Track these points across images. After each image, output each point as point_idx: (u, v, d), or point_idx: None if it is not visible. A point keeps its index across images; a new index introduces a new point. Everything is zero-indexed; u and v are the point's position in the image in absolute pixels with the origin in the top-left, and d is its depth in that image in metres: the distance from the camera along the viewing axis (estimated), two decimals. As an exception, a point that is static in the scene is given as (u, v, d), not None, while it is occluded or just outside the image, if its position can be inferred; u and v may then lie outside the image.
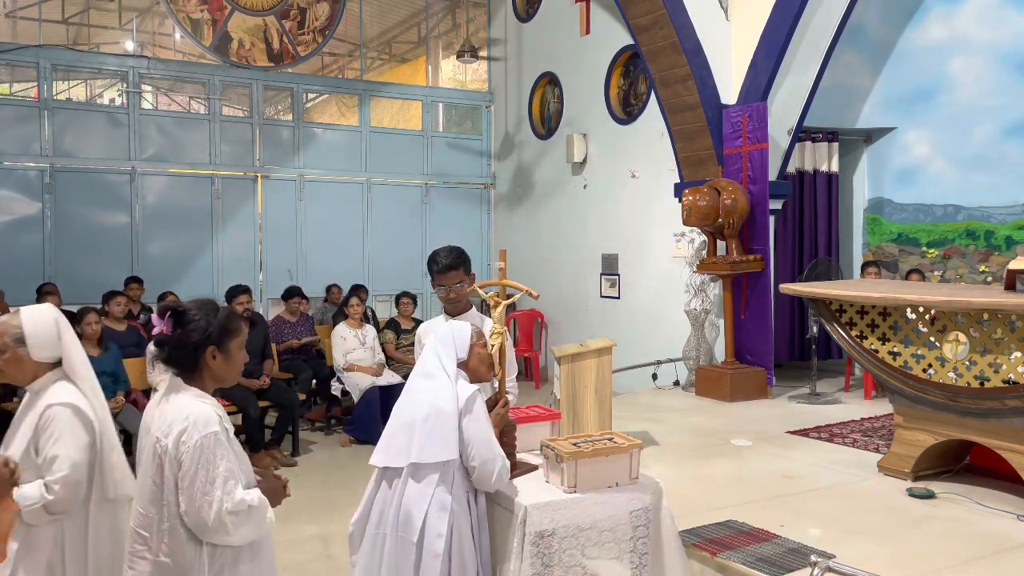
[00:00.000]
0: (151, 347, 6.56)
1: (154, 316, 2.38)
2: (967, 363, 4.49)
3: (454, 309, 3.62)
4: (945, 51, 7.93)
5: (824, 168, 8.71)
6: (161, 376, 6.35)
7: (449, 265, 3.54)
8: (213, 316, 2.35)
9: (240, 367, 2.44)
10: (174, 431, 2.23)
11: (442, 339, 2.98)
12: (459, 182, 11.51)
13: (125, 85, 9.58)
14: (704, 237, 7.72)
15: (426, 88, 11.64)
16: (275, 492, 2.42)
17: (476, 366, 2.99)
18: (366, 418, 7.23)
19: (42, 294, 7.51)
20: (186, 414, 2.25)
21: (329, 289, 9.66)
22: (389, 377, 7.53)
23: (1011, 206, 7.49)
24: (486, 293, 3.44)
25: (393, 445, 2.86)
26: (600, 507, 2.97)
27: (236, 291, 7.17)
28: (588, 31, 9.74)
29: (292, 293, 8.49)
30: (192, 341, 2.31)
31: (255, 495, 2.32)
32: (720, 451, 5.61)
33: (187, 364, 2.33)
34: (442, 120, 11.85)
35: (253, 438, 6.70)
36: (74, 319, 6.38)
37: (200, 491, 2.20)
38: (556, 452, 2.98)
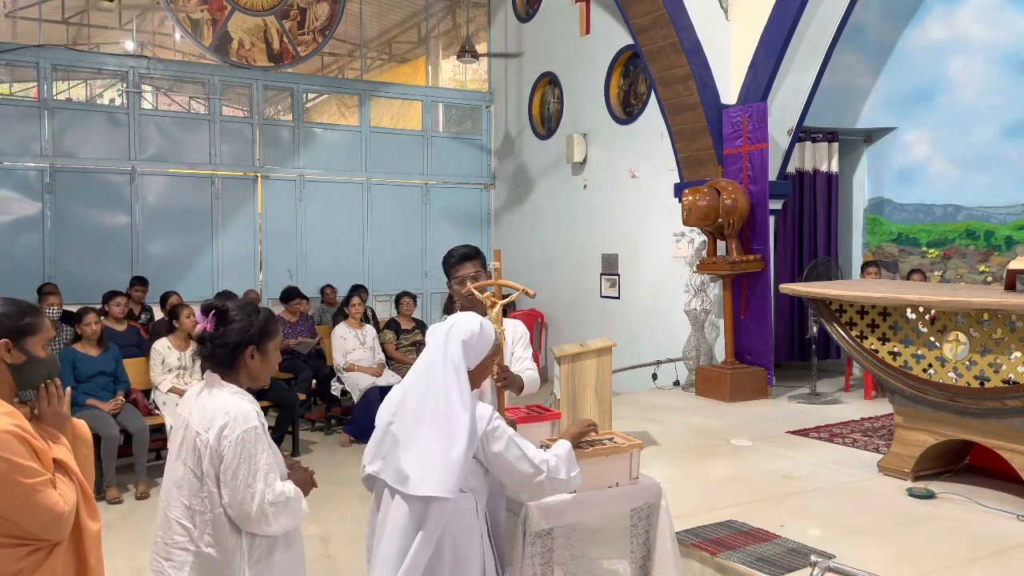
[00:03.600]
0: (156, 346, 6.57)
1: (198, 314, 2.47)
2: (967, 363, 4.49)
3: (470, 303, 3.49)
4: (945, 51, 7.93)
5: (824, 168, 8.70)
6: (163, 376, 6.37)
7: (467, 254, 3.53)
8: (254, 317, 2.45)
9: (275, 367, 2.53)
10: (215, 426, 2.29)
11: (467, 334, 2.59)
12: (459, 182, 11.51)
13: (125, 85, 9.58)
14: (704, 237, 7.72)
15: (426, 88, 11.64)
16: (305, 483, 2.49)
17: (479, 375, 2.67)
18: (366, 418, 7.23)
19: (42, 294, 7.52)
20: (226, 409, 2.32)
21: (323, 290, 9.65)
22: (389, 377, 7.53)
23: (1011, 206, 7.49)
24: (482, 293, 3.44)
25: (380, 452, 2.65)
26: (600, 507, 2.97)
27: (222, 297, 7.12)
28: (588, 31, 9.74)
29: (291, 295, 8.49)
30: (233, 340, 2.39)
31: (291, 486, 2.38)
32: (720, 451, 5.61)
33: (226, 362, 2.41)
34: (442, 120, 11.85)
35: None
36: (74, 319, 6.39)
37: (243, 483, 2.27)
38: (556, 452, 2.98)
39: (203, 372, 2.46)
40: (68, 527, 2.13)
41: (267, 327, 2.47)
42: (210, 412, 2.33)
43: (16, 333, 2.19)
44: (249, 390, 2.48)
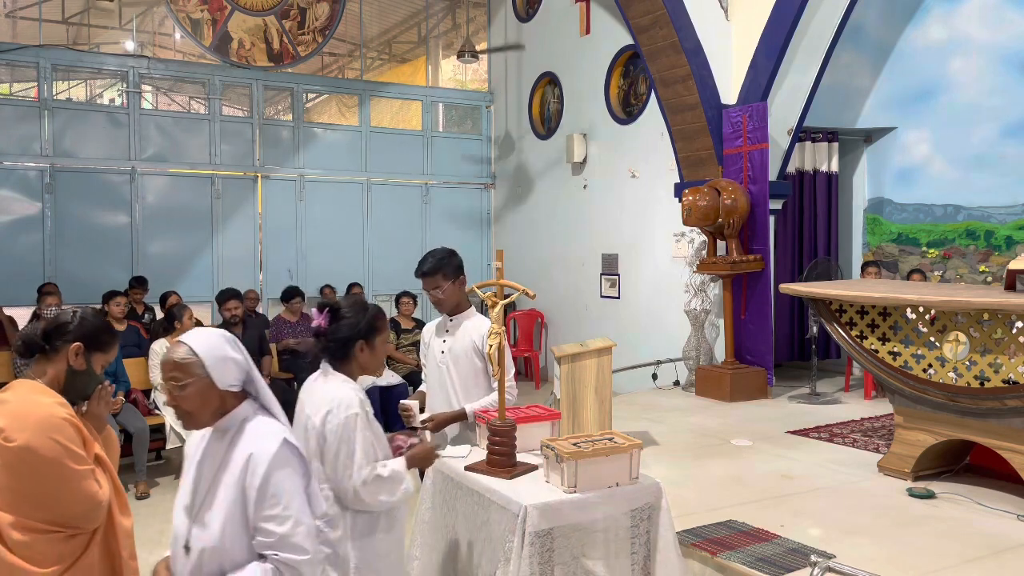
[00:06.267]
0: (154, 346, 6.57)
1: (313, 311, 2.74)
2: (967, 363, 4.49)
3: (441, 310, 3.77)
4: (945, 51, 7.93)
5: (824, 168, 8.70)
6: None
7: (425, 272, 3.68)
8: (363, 314, 2.71)
9: (383, 359, 2.80)
10: (322, 411, 2.55)
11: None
12: (459, 182, 11.51)
13: (125, 85, 9.58)
14: (704, 237, 7.72)
15: (426, 88, 11.64)
16: (426, 456, 2.78)
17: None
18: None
19: (42, 294, 7.51)
20: (332, 396, 2.57)
21: (322, 290, 9.65)
22: (389, 377, 7.52)
23: (1011, 206, 7.49)
24: (484, 293, 3.44)
25: None
26: (600, 507, 2.97)
27: (225, 296, 7.14)
28: (588, 31, 9.74)
29: (292, 294, 8.50)
30: (344, 335, 2.66)
31: (390, 466, 2.60)
32: (720, 451, 5.61)
33: (339, 354, 2.67)
34: (442, 120, 11.85)
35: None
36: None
37: (342, 464, 2.52)
38: (556, 452, 2.98)
39: (319, 363, 2.71)
40: (103, 517, 2.31)
41: (375, 323, 2.73)
42: (319, 399, 2.58)
43: (91, 343, 2.41)
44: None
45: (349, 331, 2.66)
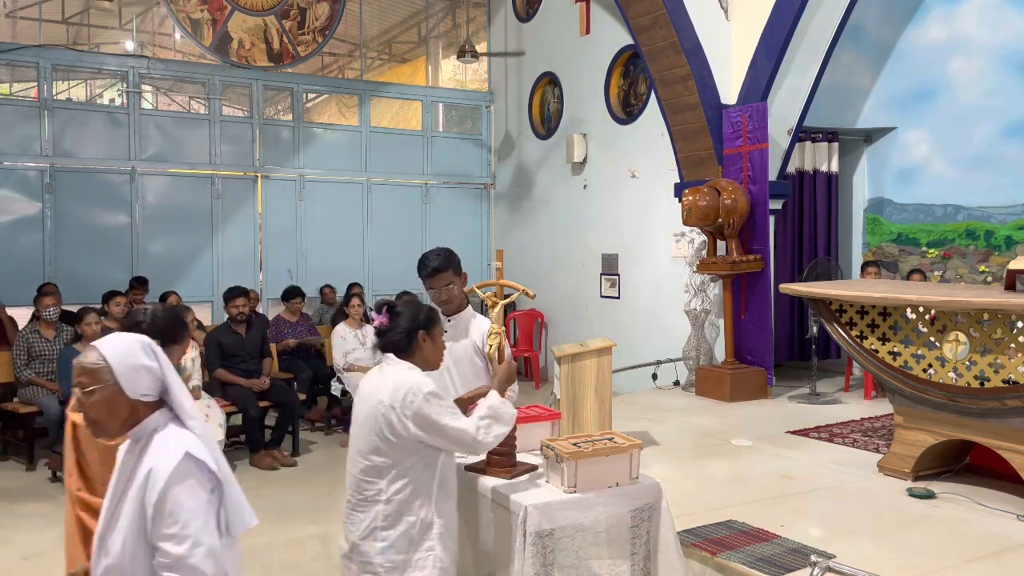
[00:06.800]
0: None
1: (372, 313, 3.01)
2: (967, 363, 4.49)
3: (448, 310, 3.60)
4: (945, 51, 7.93)
5: (824, 168, 8.70)
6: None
7: (437, 268, 3.54)
8: (419, 308, 2.92)
9: (442, 351, 2.97)
10: (399, 395, 2.70)
11: None
12: (459, 182, 11.51)
13: (125, 85, 9.57)
14: (704, 237, 7.72)
15: (426, 88, 11.64)
16: (508, 374, 3.09)
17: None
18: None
19: (42, 294, 7.52)
20: (405, 380, 2.74)
21: (322, 290, 9.65)
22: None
23: (1011, 206, 7.49)
24: (484, 293, 3.44)
25: None
26: (600, 507, 2.96)
27: (233, 293, 7.13)
28: (588, 31, 9.74)
29: (292, 294, 8.50)
30: (405, 327, 2.85)
31: (486, 405, 2.86)
32: (720, 451, 5.61)
33: (403, 346, 2.85)
34: (442, 120, 11.85)
35: (253, 438, 6.70)
36: (74, 319, 6.39)
37: (451, 429, 2.72)
38: (556, 452, 2.98)
39: (381, 355, 2.92)
40: None
41: (431, 316, 2.94)
42: (392, 384, 2.74)
43: (165, 337, 2.47)
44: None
45: (410, 323, 2.85)
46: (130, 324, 2.50)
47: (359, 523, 2.76)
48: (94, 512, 2.30)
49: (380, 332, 2.89)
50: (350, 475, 2.82)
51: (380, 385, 2.79)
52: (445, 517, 2.80)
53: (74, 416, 2.34)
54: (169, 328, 2.52)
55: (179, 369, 2.66)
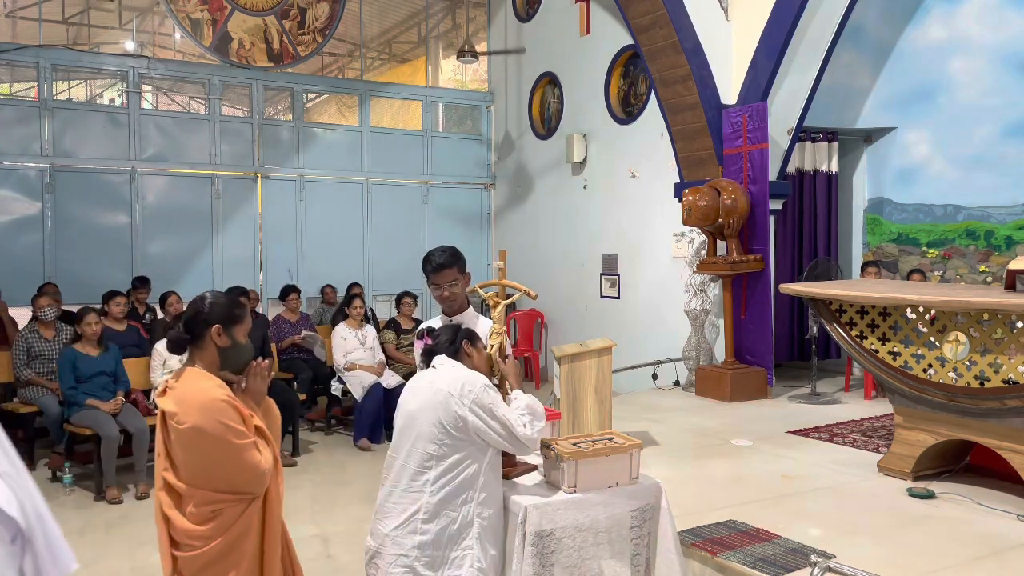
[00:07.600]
0: (157, 347, 6.57)
1: (416, 342, 3.32)
2: (967, 363, 4.49)
3: (450, 309, 3.58)
4: (945, 51, 7.93)
5: (824, 168, 8.71)
6: (163, 377, 6.37)
7: (443, 264, 3.51)
8: (459, 328, 3.13)
9: (489, 364, 3.12)
10: (458, 384, 2.83)
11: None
12: (459, 182, 11.51)
13: (125, 85, 9.57)
14: (704, 237, 7.72)
15: (426, 88, 11.64)
16: (516, 370, 3.19)
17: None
18: (373, 417, 7.23)
19: (42, 294, 7.52)
20: (462, 372, 2.90)
21: (323, 290, 9.66)
22: (389, 377, 7.52)
23: (1011, 206, 7.49)
24: (486, 293, 3.44)
25: None
26: (600, 507, 2.97)
27: (236, 293, 7.12)
28: (588, 31, 9.74)
29: (288, 291, 8.51)
30: (449, 336, 3.07)
31: (520, 402, 2.97)
32: (720, 451, 5.61)
33: (451, 352, 3.03)
34: (442, 120, 11.85)
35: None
36: (74, 319, 6.39)
37: (507, 420, 2.81)
38: (556, 452, 2.98)
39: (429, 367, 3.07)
40: (267, 483, 2.59)
41: (471, 332, 3.12)
42: (450, 376, 2.88)
43: (227, 320, 2.65)
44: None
45: (453, 333, 3.06)
46: (191, 316, 2.62)
47: (396, 515, 2.81)
48: (175, 494, 2.52)
49: (427, 351, 3.06)
50: (393, 467, 2.88)
51: (436, 378, 2.89)
52: (487, 519, 2.83)
53: (162, 403, 2.55)
54: (227, 311, 2.66)
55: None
